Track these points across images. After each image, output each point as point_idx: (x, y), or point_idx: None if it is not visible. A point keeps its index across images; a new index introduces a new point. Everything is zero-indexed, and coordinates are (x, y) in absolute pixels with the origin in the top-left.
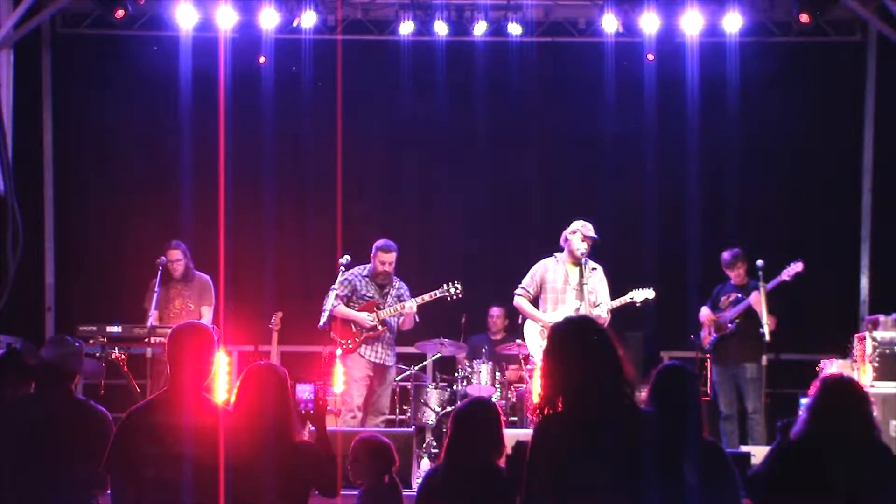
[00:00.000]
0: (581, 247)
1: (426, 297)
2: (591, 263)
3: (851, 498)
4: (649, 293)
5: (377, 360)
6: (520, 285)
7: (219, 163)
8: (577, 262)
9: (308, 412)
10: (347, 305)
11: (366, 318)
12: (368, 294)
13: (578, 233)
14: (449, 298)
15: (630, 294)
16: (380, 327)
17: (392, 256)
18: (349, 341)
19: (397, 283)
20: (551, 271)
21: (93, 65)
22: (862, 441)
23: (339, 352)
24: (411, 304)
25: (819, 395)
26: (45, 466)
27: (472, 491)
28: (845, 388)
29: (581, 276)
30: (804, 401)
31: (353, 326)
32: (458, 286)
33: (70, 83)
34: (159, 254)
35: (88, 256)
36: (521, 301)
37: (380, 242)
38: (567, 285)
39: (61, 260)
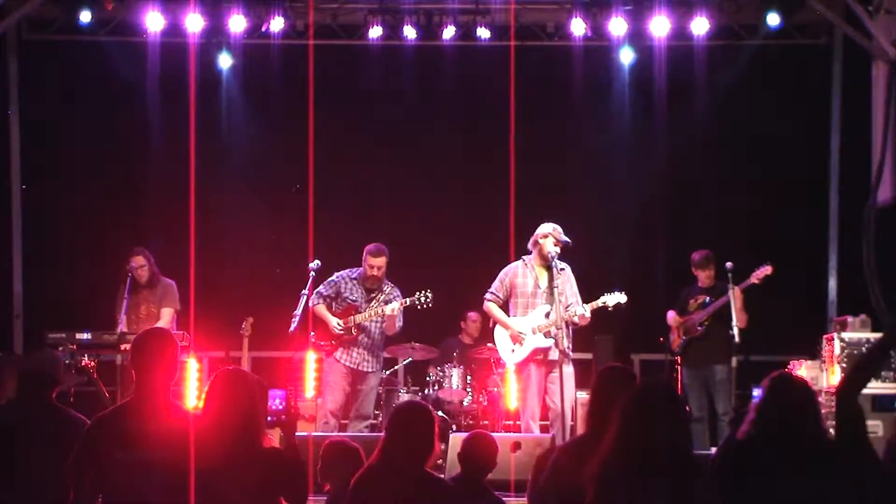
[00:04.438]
0: (553, 250)
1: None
2: (560, 263)
3: (795, 498)
4: (621, 298)
5: (352, 365)
6: (489, 290)
7: (188, 168)
8: (547, 265)
9: (279, 420)
10: (330, 307)
11: (334, 323)
12: (352, 297)
13: (551, 237)
14: (419, 307)
15: (602, 298)
16: (354, 331)
17: (381, 261)
18: (328, 343)
19: (388, 288)
20: (521, 275)
21: (60, 70)
22: (807, 440)
23: (313, 355)
24: (389, 309)
25: (765, 394)
26: (24, 473)
27: (402, 490)
28: (790, 387)
29: (551, 278)
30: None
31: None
32: (429, 295)
33: (37, 89)
34: (128, 261)
35: (57, 263)
36: (491, 306)
37: (370, 246)
38: (537, 289)
39: (30, 267)
